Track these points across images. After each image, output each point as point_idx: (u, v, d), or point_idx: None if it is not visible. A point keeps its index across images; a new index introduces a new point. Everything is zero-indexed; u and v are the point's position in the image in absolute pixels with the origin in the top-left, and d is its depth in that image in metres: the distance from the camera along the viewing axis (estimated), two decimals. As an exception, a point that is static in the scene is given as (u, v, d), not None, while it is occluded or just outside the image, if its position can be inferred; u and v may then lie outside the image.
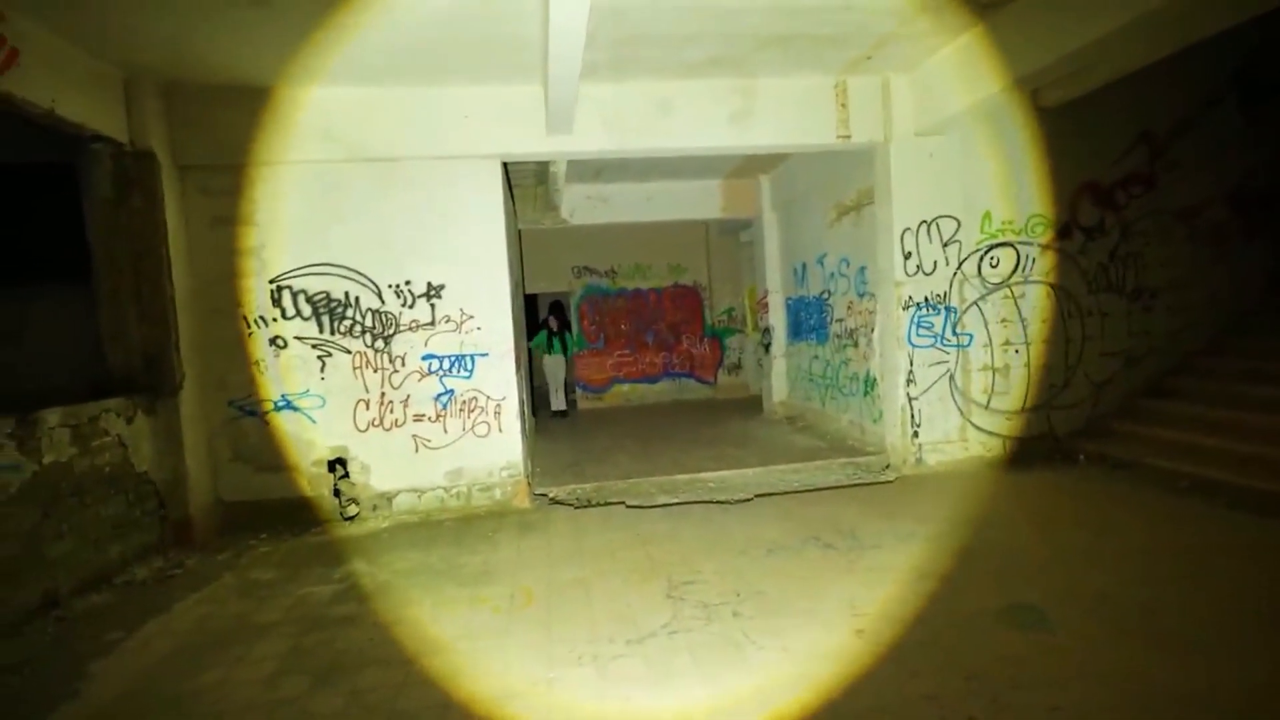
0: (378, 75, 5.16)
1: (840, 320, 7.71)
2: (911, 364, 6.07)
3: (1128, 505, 4.87)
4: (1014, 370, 6.19)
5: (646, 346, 12.05)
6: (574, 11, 3.72)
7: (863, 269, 7.06)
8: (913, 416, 6.09)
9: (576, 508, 5.62)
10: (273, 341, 5.41)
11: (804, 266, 8.72)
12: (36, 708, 2.96)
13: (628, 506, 5.53)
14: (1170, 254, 6.44)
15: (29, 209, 5.42)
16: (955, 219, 6.03)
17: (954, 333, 6.10)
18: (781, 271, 9.53)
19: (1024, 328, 6.18)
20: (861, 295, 7.12)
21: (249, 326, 5.39)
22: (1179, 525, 4.41)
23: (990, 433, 6.17)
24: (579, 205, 9.63)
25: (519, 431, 5.82)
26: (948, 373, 6.11)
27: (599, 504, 5.67)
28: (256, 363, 5.40)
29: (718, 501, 5.50)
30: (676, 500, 5.62)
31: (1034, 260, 6.17)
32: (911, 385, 6.08)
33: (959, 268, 6.07)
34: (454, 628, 3.50)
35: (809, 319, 8.70)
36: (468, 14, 4.32)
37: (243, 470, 5.42)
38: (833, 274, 7.83)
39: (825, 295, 8.09)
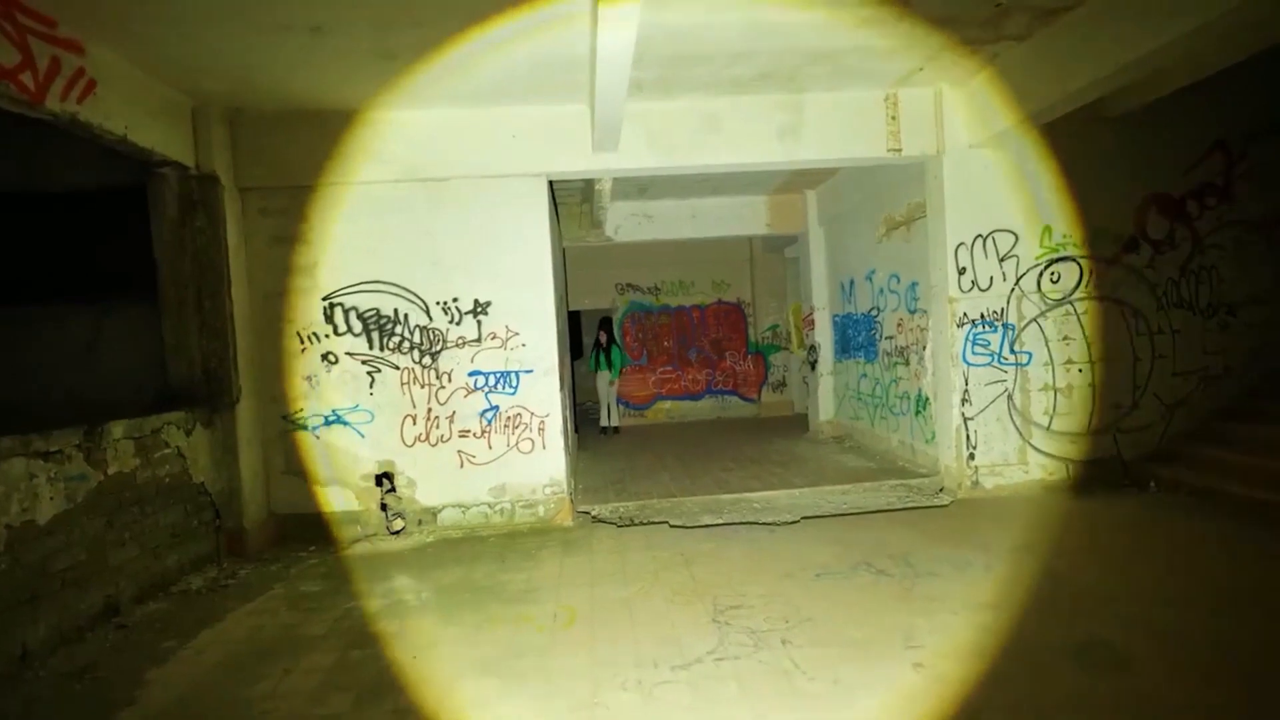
0: (428, 98, 5.28)
1: (890, 338, 7.51)
2: (966, 383, 5.84)
3: (1207, 535, 4.55)
4: (1077, 390, 5.90)
5: (690, 363, 11.97)
6: (622, 33, 3.73)
7: (914, 285, 6.86)
8: (968, 438, 5.85)
9: (619, 526, 5.56)
10: (325, 357, 5.54)
11: (851, 283, 8.54)
12: (97, 713, 3.03)
13: (671, 526, 5.44)
14: (1249, 267, 6.07)
15: (104, 229, 5.70)
16: (1012, 233, 5.82)
17: (1012, 351, 5.86)
18: (828, 288, 9.36)
19: (1088, 346, 5.89)
20: (913, 312, 6.91)
21: (303, 342, 5.53)
22: (1266, 559, 4.09)
23: (1052, 456, 5.88)
24: (623, 222, 9.66)
25: (562, 448, 5.80)
26: (1005, 392, 5.87)
27: (642, 523, 5.59)
28: (309, 378, 5.53)
29: (763, 523, 5.36)
30: (721, 521, 5.50)
31: (1098, 275, 5.89)
32: (967, 405, 5.85)
33: (1017, 283, 5.84)
34: (497, 647, 3.46)
35: (857, 336, 8.50)
36: (517, 36, 4.38)
37: (294, 483, 5.54)
38: (882, 290, 7.64)
39: (874, 312, 7.89)
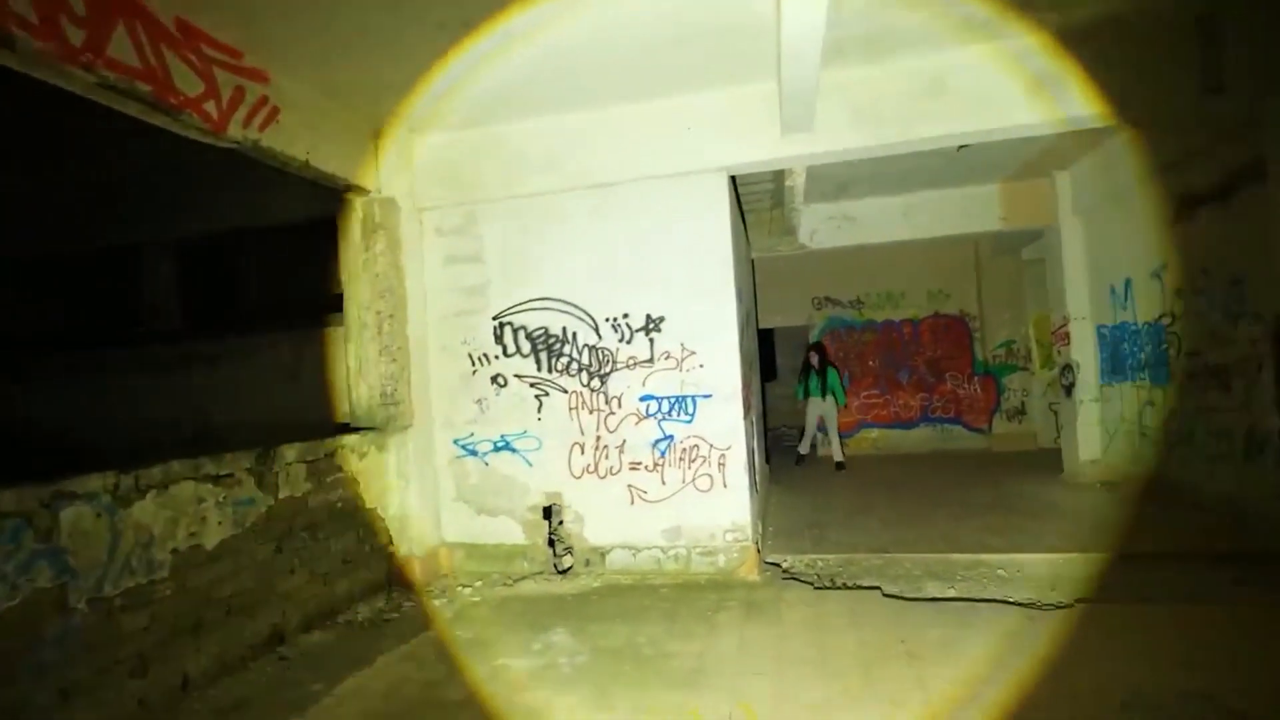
0: (594, 96, 4.82)
1: (1194, 354, 5.56)
2: (1350, 419, 3.94)
3: None
4: None
5: (900, 386, 10.36)
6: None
7: (1237, 281, 4.97)
8: (1354, 501, 3.93)
9: (816, 588, 4.52)
10: (494, 379, 5.27)
11: (1127, 284, 6.59)
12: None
13: (884, 595, 4.28)
14: None
15: (309, 259, 6.06)
16: None
17: None
18: (1089, 292, 7.37)
19: None
20: (1236, 317, 5.00)
21: (474, 364, 5.32)
22: None
23: None
24: (820, 227, 8.54)
25: (747, 487, 4.92)
26: None
27: (846, 585, 4.51)
28: (479, 401, 5.29)
29: (1015, 602, 4.00)
30: (952, 594, 4.23)
31: None
32: (1350, 452, 3.94)
33: None
34: (652, 755, 2.69)
35: (1136, 352, 6.52)
36: (687, 3, 3.72)
37: (464, 511, 5.31)
38: (1180, 291, 5.71)
39: (1165, 320, 5.94)
